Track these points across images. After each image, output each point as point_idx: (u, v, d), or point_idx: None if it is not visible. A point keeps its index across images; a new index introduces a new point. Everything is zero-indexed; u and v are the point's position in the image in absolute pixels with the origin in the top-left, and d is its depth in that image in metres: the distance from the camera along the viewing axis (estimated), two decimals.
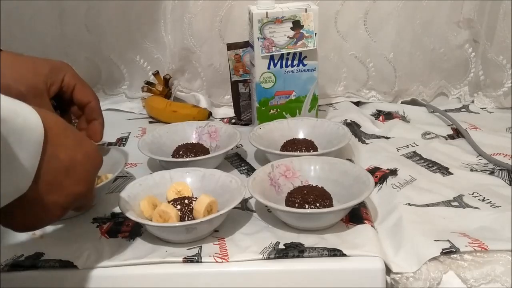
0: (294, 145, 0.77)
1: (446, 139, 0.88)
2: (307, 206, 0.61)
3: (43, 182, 0.43)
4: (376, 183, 0.72)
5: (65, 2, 1.03)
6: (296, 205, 0.61)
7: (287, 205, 0.63)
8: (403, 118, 0.98)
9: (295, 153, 0.75)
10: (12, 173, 0.39)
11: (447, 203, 0.66)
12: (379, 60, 1.04)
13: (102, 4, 1.02)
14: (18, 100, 0.41)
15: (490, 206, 0.65)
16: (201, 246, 0.58)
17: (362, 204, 0.65)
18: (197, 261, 0.56)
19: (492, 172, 0.75)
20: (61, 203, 0.45)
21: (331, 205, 0.62)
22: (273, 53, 0.86)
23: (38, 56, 0.68)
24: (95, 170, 0.49)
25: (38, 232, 0.63)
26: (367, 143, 0.87)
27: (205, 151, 0.79)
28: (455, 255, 0.55)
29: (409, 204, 0.66)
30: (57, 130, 0.44)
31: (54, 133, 0.43)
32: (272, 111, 0.91)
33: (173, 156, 0.77)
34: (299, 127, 0.85)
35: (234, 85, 0.96)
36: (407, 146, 0.84)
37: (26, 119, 0.40)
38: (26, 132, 0.40)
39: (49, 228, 0.63)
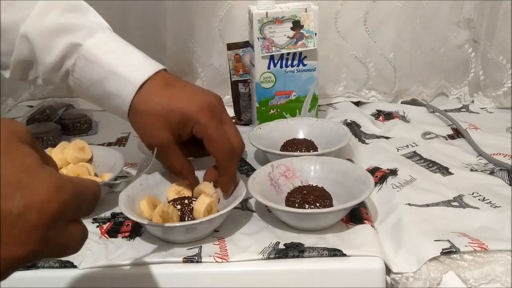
0: (294, 145, 0.77)
1: (446, 139, 0.88)
2: (307, 206, 0.61)
3: None
4: (376, 183, 0.72)
5: None
6: (296, 205, 0.61)
7: (287, 205, 0.63)
8: (403, 118, 0.98)
9: (295, 153, 0.75)
10: None
11: (447, 203, 0.66)
12: (379, 60, 1.04)
13: (102, 4, 1.02)
14: None
15: (490, 206, 0.65)
16: (201, 246, 0.58)
17: (362, 204, 0.65)
18: (197, 261, 0.56)
19: (492, 172, 0.75)
20: None
21: (331, 205, 0.62)
22: (273, 53, 0.86)
23: None
24: (46, 224, 0.31)
25: None
26: (367, 143, 0.87)
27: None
28: (455, 255, 0.55)
29: (409, 204, 0.66)
30: None
31: None
32: (272, 111, 0.91)
33: None
34: (299, 127, 0.85)
35: (234, 85, 0.96)
36: (407, 146, 0.84)
37: None
38: None
39: None
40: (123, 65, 0.62)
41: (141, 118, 0.62)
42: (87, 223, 0.64)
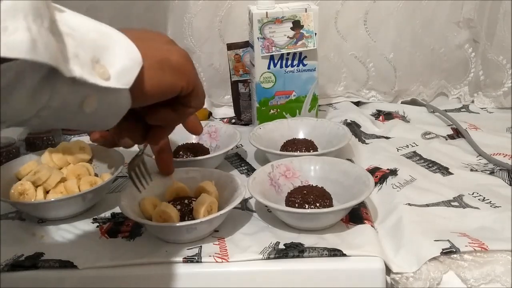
0: (294, 145, 0.77)
1: (446, 139, 0.88)
2: (307, 206, 0.61)
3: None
4: (376, 183, 0.72)
5: (65, 2, 1.02)
6: (296, 205, 0.61)
7: (287, 205, 0.63)
8: (403, 118, 0.98)
9: (295, 153, 0.75)
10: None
11: (447, 203, 0.66)
12: (379, 60, 1.04)
13: (102, 4, 1.02)
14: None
15: (490, 206, 0.65)
16: (201, 246, 0.58)
17: (362, 204, 0.65)
18: (197, 261, 0.56)
19: (492, 172, 0.75)
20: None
21: (331, 205, 0.62)
22: (273, 53, 0.86)
23: None
24: (190, 67, 0.51)
25: (38, 233, 0.63)
26: (367, 143, 0.87)
27: (205, 151, 0.79)
28: (455, 255, 0.55)
29: (409, 204, 0.66)
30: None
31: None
32: (272, 111, 0.91)
33: (173, 156, 0.77)
34: (299, 127, 0.85)
35: (234, 85, 0.96)
36: (407, 146, 0.84)
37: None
38: None
39: (49, 228, 0.64)
40: None
41: None
42: (87, 223, 0.65)
